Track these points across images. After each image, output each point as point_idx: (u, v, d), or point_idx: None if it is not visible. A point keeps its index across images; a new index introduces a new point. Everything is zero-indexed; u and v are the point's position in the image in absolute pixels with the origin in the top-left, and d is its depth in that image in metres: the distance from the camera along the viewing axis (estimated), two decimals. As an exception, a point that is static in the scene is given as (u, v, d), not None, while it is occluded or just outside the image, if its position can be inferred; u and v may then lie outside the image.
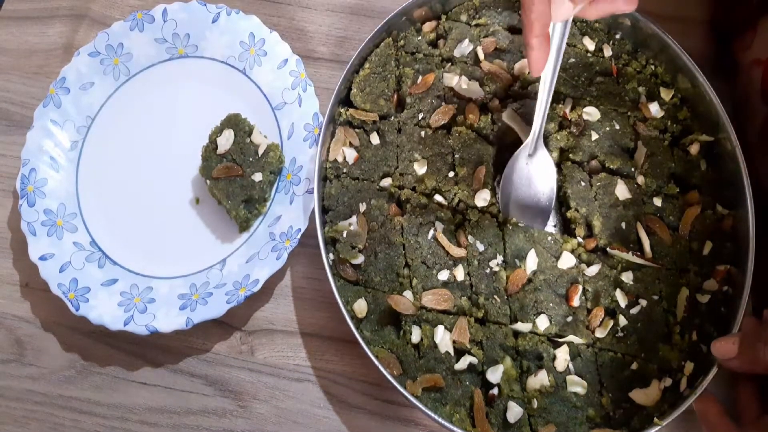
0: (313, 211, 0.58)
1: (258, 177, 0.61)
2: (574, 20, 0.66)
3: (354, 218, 0.58)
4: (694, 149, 0.62)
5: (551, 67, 0.53)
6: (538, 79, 0.63)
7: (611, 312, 0.57)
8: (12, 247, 0.65)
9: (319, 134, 0.60)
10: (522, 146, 0.60)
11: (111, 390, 0.60)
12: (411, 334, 0.54)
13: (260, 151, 0.62)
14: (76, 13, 0.74)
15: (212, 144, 0.62)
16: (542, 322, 0.55)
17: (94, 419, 0.59)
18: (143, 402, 0.60)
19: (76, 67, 0.66)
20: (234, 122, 0.63)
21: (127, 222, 0.64)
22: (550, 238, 0.58)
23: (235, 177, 0.61)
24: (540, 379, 0.54)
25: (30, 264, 0.60)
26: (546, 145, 0.60)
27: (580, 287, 0.56)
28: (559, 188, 0.61)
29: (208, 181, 0.61)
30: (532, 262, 0.57)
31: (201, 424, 0.59)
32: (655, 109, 0.62)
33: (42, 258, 0.60)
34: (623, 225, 0.59)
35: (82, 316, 0.58)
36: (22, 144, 0.63)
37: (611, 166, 0.60)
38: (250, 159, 0.62)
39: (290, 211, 0.62)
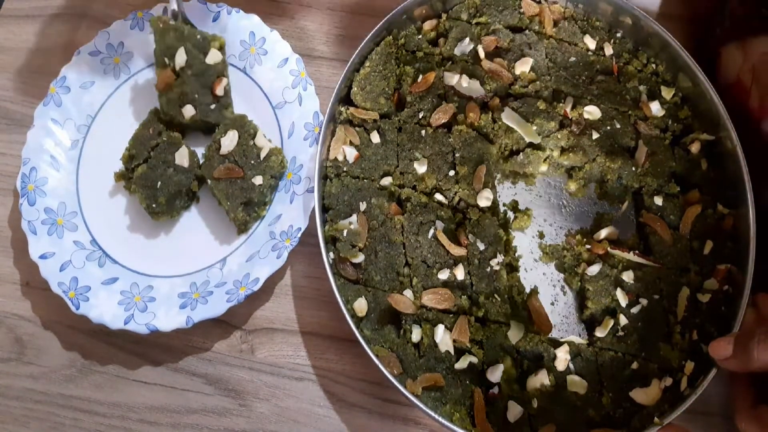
0: (313, 210, 0.58)
1: (258, 180, 0.61)
2: (574, 20, 0.66)
3: (354, 217, 0.58)
4: (694, 148, 0.61)
5: None
6: (538, 78, 0.63)
7: (612, 311, 0.57)
8: (12, 246, 0.65)
9: (319, 133, 0.60)
10: None
11: (111, 389, 0.60)
12: (411, 333, 0.54)
13: (262, 155, 0.62)
14: (76, 12, 0.74)
15: (215, 143, 0.62)
16: (542, 322, 0.55)
17: (94, 418, 0.59)
18: (143, 401, 0.60)
19: (76, 66, 0.66)
20: (240, 123, 0.62)
21: (127, 221, 0.64)
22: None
23: (235, 179, 0.61)
24: (540, 379, 0.54)
25: (30, 263, 0.60)
26: (546, 144, 0.60)
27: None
28: None
29: (209, 181, 0.61)
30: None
31: (201, 423, 0.59)
32: (655, 107, 0.62)
33: (42, 257, 0.60)
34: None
35: (82, 314, 0.58)
36: (22, 143, 0.63)
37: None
38: (252, 162, 0.62)
39: (290, 210, 0.62)
